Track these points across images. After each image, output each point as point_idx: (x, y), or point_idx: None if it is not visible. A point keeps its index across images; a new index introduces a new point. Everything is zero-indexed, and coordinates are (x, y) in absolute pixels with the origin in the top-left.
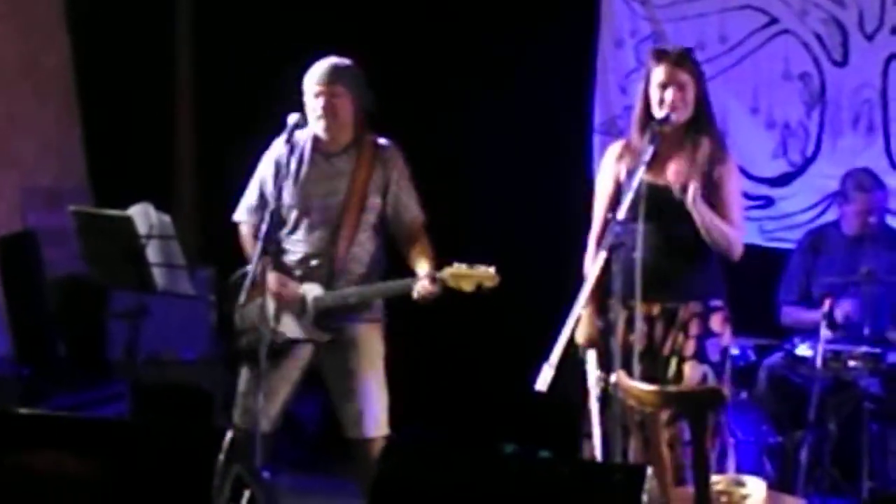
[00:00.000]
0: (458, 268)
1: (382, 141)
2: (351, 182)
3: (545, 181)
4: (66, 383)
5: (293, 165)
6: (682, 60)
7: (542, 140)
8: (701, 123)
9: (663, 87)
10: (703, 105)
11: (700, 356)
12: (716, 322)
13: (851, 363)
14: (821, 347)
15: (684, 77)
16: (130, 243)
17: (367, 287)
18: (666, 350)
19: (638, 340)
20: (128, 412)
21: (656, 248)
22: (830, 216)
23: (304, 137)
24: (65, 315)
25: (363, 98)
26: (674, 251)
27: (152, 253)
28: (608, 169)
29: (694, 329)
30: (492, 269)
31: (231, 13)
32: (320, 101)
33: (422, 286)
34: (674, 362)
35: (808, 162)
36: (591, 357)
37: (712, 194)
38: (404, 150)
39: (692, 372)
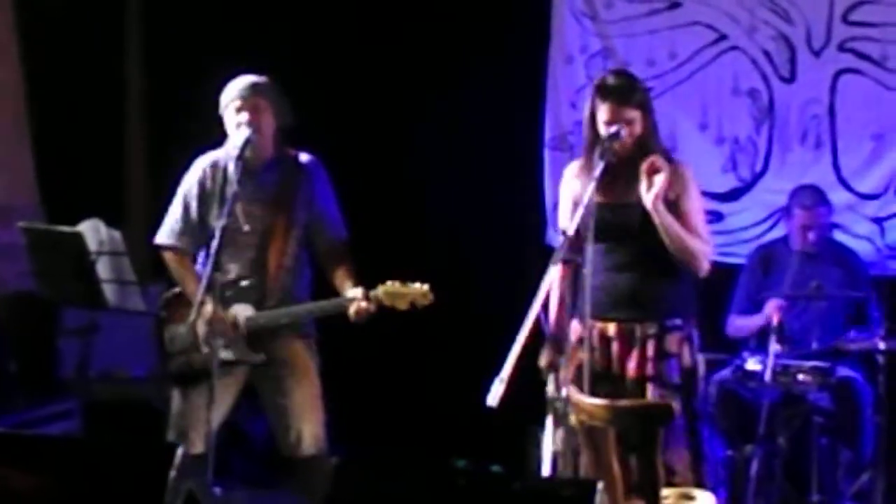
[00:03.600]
0: (392, 286)
1: (304, 156)
2: (275, 202)
3: (496, 196)
4: (16, 401)
5: (218, 185)
6: (627, 97)
7: (493, 155)
8: (649, 146)
9: (608, 125)
10: (648, 135)
11: (657, 379)
12: (672, 343)
13: (801, 377)
14: (770, 362)
15: (630, 113)
16: (81, 260)
17: (301, 307)
18: (627, 372)
19: (589, 361)
20: (79, 429)
21: (610, 266)
22: (779, 231)
23: (225, 157)
24: (15, 332)
25: (282, 113)
26: (627, 269)
27: (103, 269)
28: (566, 189)
29: (650, 350)
30: (426, 287)
31: (182, 30)
32: (244, 116)
33: (356, 306)
34: (636, 384)
35: (758, 177)
36: (551, 380)
37: (672, 211)
38: (356, 166)
39: (650, 395)
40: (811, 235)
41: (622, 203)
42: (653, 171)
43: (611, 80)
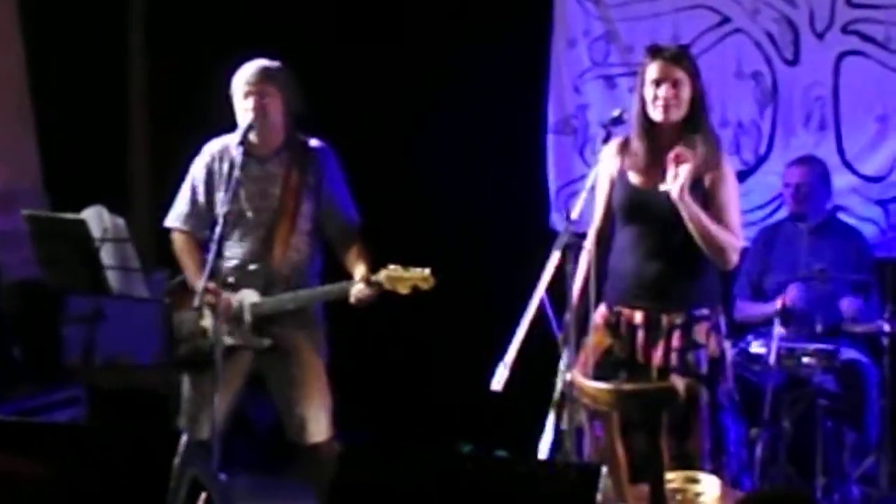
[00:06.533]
0: (394, 270)
1: (314, 142)
2: (283, 186)
3: (500, 181)
4: (21, 388)
5: (225, 170)
6: (678, 58)
7: (497, 140)
8: (695, 124)
9: (657, 83)
10: (698, 105)
11: (681, 369)
12: (700, 332)
13: (805, 360)
14: (774, 345)
15: (679, 74)
16: (84, 247)
17: (304, 292)
18: (652, 361)
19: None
20: (84, 416)
21: (641, 253)
22: (783, 214)
23: (234, 142)
24: (19, 319)
25: (293, 100)
26: (656, 257)
27: (107, 256)
28: (604, 166)
29: (676, 341)
30: (427, 271)
31: (185, 16)
32: (250, 101)
33: (358, 290)
34: (660, 374)
35: (761, 160)
36: (564, 356)
37: (706, 200)
38: (359, 152)
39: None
40: (798, 193)
41: (658, 189)
42: (678, 161)
43: (662, 44)
